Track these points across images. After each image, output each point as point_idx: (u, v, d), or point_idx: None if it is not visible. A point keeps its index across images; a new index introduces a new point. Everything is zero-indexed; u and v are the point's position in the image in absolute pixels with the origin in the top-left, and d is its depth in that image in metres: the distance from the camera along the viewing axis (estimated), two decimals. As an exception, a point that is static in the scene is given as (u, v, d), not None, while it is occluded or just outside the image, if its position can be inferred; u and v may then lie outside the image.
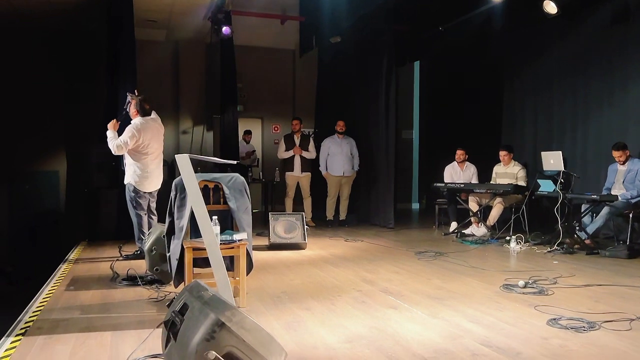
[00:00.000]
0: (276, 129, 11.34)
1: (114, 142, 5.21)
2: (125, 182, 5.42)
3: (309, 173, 8.43)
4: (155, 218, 5.59)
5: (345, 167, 8.36)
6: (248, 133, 10.33)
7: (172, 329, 2.24)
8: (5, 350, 2.81)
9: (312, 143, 8.50)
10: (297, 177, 8.35)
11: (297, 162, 8.33)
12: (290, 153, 8.34)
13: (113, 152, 5.27)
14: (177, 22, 9.45)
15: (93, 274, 4.87)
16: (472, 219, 7.34)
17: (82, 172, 9.00)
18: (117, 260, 5.38)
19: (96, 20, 8.41)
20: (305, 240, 6.30)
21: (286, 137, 8.52)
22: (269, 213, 6.61)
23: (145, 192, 5.41)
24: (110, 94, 7.62)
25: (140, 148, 5.29)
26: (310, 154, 8.39)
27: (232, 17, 8.86)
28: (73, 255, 5.93)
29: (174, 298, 3.57)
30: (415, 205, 12.07)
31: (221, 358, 2.03)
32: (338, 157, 8.35)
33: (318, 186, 8.67)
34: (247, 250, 3.74)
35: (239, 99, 10.06)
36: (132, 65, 7.42)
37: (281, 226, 6.39)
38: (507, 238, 6.43)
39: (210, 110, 10.52)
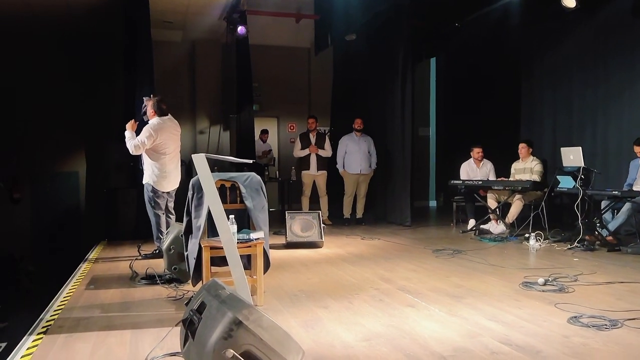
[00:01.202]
0: (292, 127, 11.36)
1: (132, 142, 5.26)
2: (144, 182, 5.47)
3: (325, 171, 8.42)
4: (173, 217, 5.63)
5: (362, 165, 8.34)
6: (265, 132, 10.36)
7: (190, 327, 2.25)
8: (28, 349, 2.86)
9: (327, 141, 8.49)
10: (314, 175, 8.35)
11: (313, 160, 8.33)
12: (306, 152, 8.34)
13: (131, 152, 5.33)
14: (193, 22, 9.52)
15: (112, 273, 4.93)
16: (491, 216, 7.27)
17: (101, 172, 9.11)
18: (136, 259, 5.43)
19: (113, 21, 8.51)
20: (322, 238, 6.30)
21: (302, 136, 8.52)
22: (286, 212, 6.62)
23: (163, 192, 5.46)
24: (127, 94, 7.71)
25: (158, 148, 5.33)
26: (326, 152, 8.38)
27: (247, 16, 8.90)
28: (93, 254, 6.01)
29: (192, 297, 3.62)
30: (433, 203, 11.99)
31: (239, 356, 2.03)
32: (356, 155, 8.32)
33: (334, 184, 8.66)
34: (264, 248, 3.75)
35: (255, 98, 10.10)
36: (150, 65, 7.49)
37: (298, 225, 6.39)
38: (527, 235, 6.35)
39: (226, 110, 10.57)
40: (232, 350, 2.03)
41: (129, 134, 5.33)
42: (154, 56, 7.68)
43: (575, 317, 3.30)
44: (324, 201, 8.46)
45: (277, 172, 10.15)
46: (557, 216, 7.39)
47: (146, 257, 5.52)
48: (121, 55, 8.09)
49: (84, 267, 5.24)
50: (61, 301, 3.90)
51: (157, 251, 5.46)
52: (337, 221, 8.51)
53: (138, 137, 5.28)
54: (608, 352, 2.73)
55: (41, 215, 9.80)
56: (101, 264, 5.38)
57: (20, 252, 9.18)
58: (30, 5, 8.23)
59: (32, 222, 9.88)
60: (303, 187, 8.41)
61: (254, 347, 2.06)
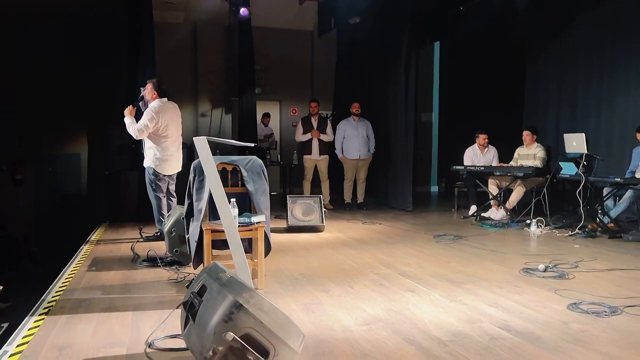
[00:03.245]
0: (294, 111, 11.32)
1: (134, 126, 5.24)
2: (145, 165, 5.45)
3: (327, 156, 8.39)
4: (174, 200, 5.63)
5: (361, 150, 8.30)
6: (267, 116, 10.32)
7: (190, 310, 2.26)
8: (29, 329, 2.88)
9: (329, 126, 8.45)
10: (315, 160, 8.33)
11: (315, 145, 8.29)
12: (308, 136, 8.30)
13: (134, 137, 5.31)
14: (195, 3, 9.45)
15: (114, 255, 4.94)
16: (492, 202, 7.26)
17: (102, 154, 9.11)
18: (138, 241, 5.44)
19: (115, 2, 8.43)
20: (323, 223, 6.31)
21: (304, 120, 8.48)
22: (288, 196, 6.62)
23: (164, 175, 5.45)
24: (130, 76, 7.67)
25: (159, 131, 5.31)
26: (328, 137, 8.35)
27: (249, -2, 8.82)
28: (94, 236, 6.03)
29: (193, 279, 3.63)
30: (434, 189, 11.98)
31: (239, 339, 2.04)
32: (354, 140, 8.28)
33: (336, 169, 8.65)
34: (265, 232, 3.76)
35: (257, 81, 10.05)
36: (152, 47, 7.46)
37: (299, 209, 6.40)
38: (528, 221, 6.35)
39: (228, 93, 10.53)
40: (232, 333, 2.04)
41: (128, 119, 5.31)
42: (156, 37, 7.62)
43: (575, 303, 3.31)
44: (325, 185, 8.45)
45: (279, 155, 10.13)
46: (559, 203, 7.39)
47: (147, 239, 5.53)
48: (123, 37, 8.02)
49: (85, 249, 5.26)
50: (63, 282, 3.92)
51: (159, 233, 5.47)
52: (339, 206, 8.51)
53: (140, 120, 5.26)
54: (607, 338, 2.74)
55: (43, 197, 9.82)
56: (103, 246, 5.40)
57: (23, 234, 9.22)
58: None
59: (34, 204, 9.90)
60: (305, 171, 8.39)
61: (254, 330, 2.07)
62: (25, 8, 9.03)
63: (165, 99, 5.43)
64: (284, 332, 2.12)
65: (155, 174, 5.39)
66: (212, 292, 2.19)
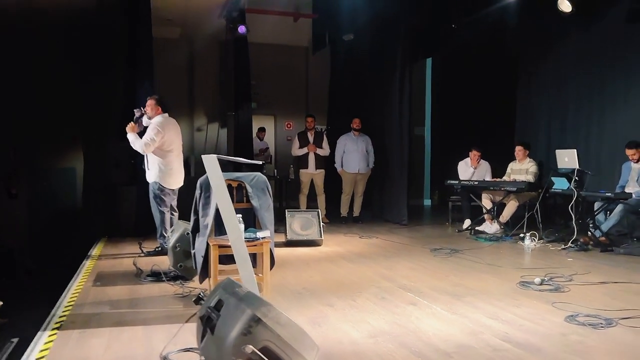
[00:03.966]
0: (289, 126, 11.43)
1: (139, 142, 5.33)
2: (150, 180, 5.52)
3: (323, 170, 8.51)
4: (176, 215, 5.70)
5: (360, 165, 8.44)
6: (262, 130, 10.42)
7: (208, 323, 2.34)
8: (45, 344, 2.93)
9: (325, 140, 8.58)
10: (312, 174, 8.43)
11: (312, 159, 8.41)
12: (305, 150, 8.42)
13: (142, 152, 5.38)
14: (192, 20, 9.57)
15: (117, 269, 4.99)
16: (486, 216, 7.40)
17: (99, 169, 9.14)
18: (139, 256, 5.50)
19: (113, 16, 8.52)
20: (321, 237, 6.40)
21: (300, 135, 8.60)
22: (286, 210, 6.70)
23: (169, 189, 5.53)
24: (127, 91, 7.75)
25: (164, 146, 5.42)
26: (324, 151, 8.47)
27: (246, 14, 8.95)
28: (95, 251, 6.06)
29: (200, 294, 3.69)
30: (427, 202, 12.12)
31: (257, 352, 2.12)
32: (354, 155, 8.42)
33: (331, 183, 8.75)
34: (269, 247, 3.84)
35: (253, 96, 10.16)
36: (150, 62, 7.56)
37: (297, 223, 6.49)
38: (521, 235, 6.48)
39: (224, 108, 10.62)
40: (251, 346, 2.12)
41: (132, 136, 5.39)
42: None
43: (572, 316, 3.43)
44: (321, 199, 8.54)
45: (275, 170, 10.21)
46: (551, 217, 7.54)
47: (149, 254, 5.58)
48: (121, 51, 8.11)
49: (88, 264, 5.29)
50: (70, 297, 3.97)
51: (160, 248, 5.53)
52: (334, 219, 8.60)
53: (145, 135, 5.35)
54: (605, 349, 2.86)
55: (38, 211, 9.79)
56: (105, 261, 5.44)
57: (18, 248, 9.19)
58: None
59: (30, 219, 9.88)
60: (301, 185, 8.49)
61: (272, 343, 2.15)
62: (22, 19, 9.08)
63: (167, 114, 5.54)
64: (300, 344, 2.21)
65: (161, 188, 5.47)
66: (230, 306, 2.28)
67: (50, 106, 9.52)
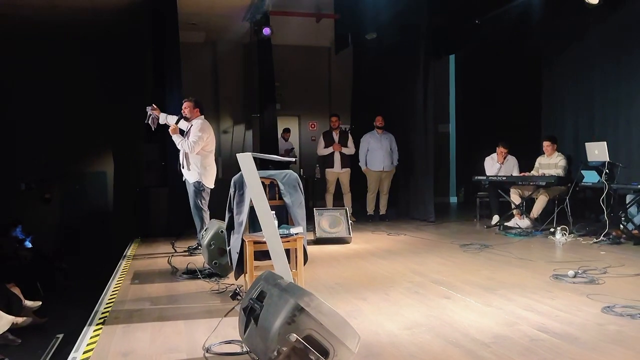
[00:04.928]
0: (313, 126, 11.50)
1: (187, 142, 5.51)
2: (191, 180, 5.65)
3: (349, 169, 8.55)
4: (208, 213, 5.82)
5: (385, 163, 8.46)
6: (287, 131, 10.52)
7: (251, 314, 2.42)
8: (91, 337, 3.05)
9: (350, 139, 8.62)
10: (337, 173, 8.49)
11: (337, 158, 8.46)
12: (330, 150, 8.47)
13: (192, 151, 5.52)
14: (216, 24, 9.71)
15: (153, 268, 5.12)
16: (515, 211, 7.35)
17: (129, 172, 9.36)
18: (173, 255, 5.64)
19: (140, 23, 8.72)
20: (350, 234, 6.45)
21: (325, 134, 8.66)
22: (314, 208, 6.77)
23: (209, 188, 5.70)
24: (156, 96, 7.90)
25: (207, 147, 5.63)
26: (349, 150, 8.52)
27: (269, 17, 9.05)
28: (130, 252, 6.21)
29: (236, 289, 3.78)
30: (453, 199, 12.07)
31: (302, 340, 2.19)
32: (378, 153, 8.45)
33: (357, 181, 8.79)
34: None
35: (276, 98, 10.26)
36: (178, 66, 7.70)
37: (326, 221, 6.55)
38: (552, 229, 6.44)
39: (249, 110, 10.75)
40: (295, 335, 2.19)
41: (177, 138, 5.56)
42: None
43: (609, 306, 3.41)
44: (347, 198, 8.59)
45: (301, 170, 10.29)
46: (581, 211, 7.45)
47: (190, 250, 5.72)
48: (148, 54, 8.29)
49: (124, 264, 5.43)
50: (110, 295, 4.09)
51: (199, 245, 5.67)
52: (361, 218, 8.64)
53: (190, 137, 5.52)
54: (644, 338, 2.85)
55: (71, 214, 10.07)
56: (140, 261, 5.58)
57: (53, 250, 9.45)
58: (56, 7, 8.45)
59: (62, 221, 10.16)
60: (327, 184, 8.55)
61: (315, 332, 2.21)
62: (52, 28, 9.35)
63: (203, 116, 5.70)
64: (342, 333, 2.26)
65: (203, 187, 5.63)
66: (273, 297, 2.35)
67: (81, 112, 9.80)
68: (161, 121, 5.88)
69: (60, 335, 4.38)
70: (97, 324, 3.31)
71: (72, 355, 2.79)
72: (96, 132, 9.96)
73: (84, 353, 2.81)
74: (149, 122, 5.82)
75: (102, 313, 3.58)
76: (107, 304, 3.83)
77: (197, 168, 5.60)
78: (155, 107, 5.87)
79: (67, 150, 9.87)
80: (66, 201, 10.19)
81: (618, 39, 7.28)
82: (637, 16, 7.00)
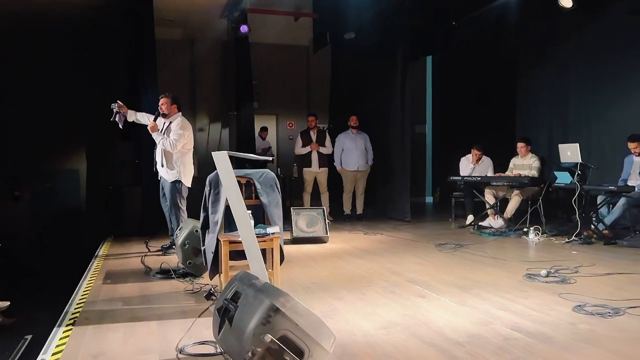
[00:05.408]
0: (291, 125, 11.48)
1: (168, 140, 5.43)
2: (171, 179, 5.57)
3: (326, 168, 8.55)
4: (186, 213, 5.75)
5: (359, 162, 8.48)
6: (264, 130, 10.47)
7: (225, 314, 2.38)
8: (60, 339, 2.97)
9: (328, 138, 8.61)
10: (315, 172, 8.47)
11: (315, 157, 8.45)
12: (307, 149, 8.45)
13: (173, 149, 5.44)
14: (194, 20, 9.60)
15: (126, 268, 5.03)
16: (489, 211, 7.44)
17: (102, 169, 9.17)
18: (147, 254, 5.55)
19: (115, 18, 8.56)
20: (327, 234, 6.44)
21: (302, 133, 8.64)
22: (291, 208, 6.74)
23: (187, 187, 5.66)
24: (131, 92, 7.78)
25: (187, 145, 5.58)
26: (327, 150, 8.51)
27: (247, 15, 8.99)
28: (102, 251, 6.10)
29: (211, 290, 3.73)
30: (429, 199, 12.17)
31: (276, 340, 2.16)
32: (352, 152, 8.47)
33: (334, 181, 8.79)
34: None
35: (254, 96, 10.19)
36: (153, 63, 7.58)
37: (303, 220, 6.52)
38: (525, 229, 6.53)
39: (226, 108, 10.66)
40: (270, 335, 2.16)
41: (157, 135, 5.49)
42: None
43: (580, 305, 3.47)
44: (325, 198, 8.58)
45: (278, 169, 10.25)
46: (553, 211, 7.58)
47: (166, 250, 5.64)
48: (123, 51, 8.15)
49: (96, 264, 5.33)
50: (81, 295, 4.01)
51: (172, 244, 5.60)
52: (338, 217, 8.65)
53: (172, 135, 5.44)
54: (614, 337, 2.90)
55: (42, 213, 9.83)
56: (113, 260, 5.48)
57: (22, 250, 9.22)
58: (30, 2, 8.25)
59: (33, 220, 9.91)
60: (304, 183, 8.53)
61: (290, 332, 2.19)
62: (23, 22, 9.11)
63: (181, 114, 5.63)
64: (317, 333, 2.24)
65: (182, 186, 5.58)
66: (248, 297, 2.32)
67: (53, 108, 9.56)
68: (129, 119, 5.72)
69: (29, 337, 4.25)
70: (67, 325, 3.23)
71: (40, 356, 2.72)
72: (69, 129, 9.73)
73: (52, 355, 2.73)
74: (116, 119, 5.64)
75: (73, 314, 3.49)
76: (77, 304, 3.75)
77: (177, 166, 5.53)
78: (121, 104, 5.66)
79: (38, 146, 9.63)
80: (37, 199, 9.93)
81: (592, 45, 7.44)
82: (611, 24, 7.15)
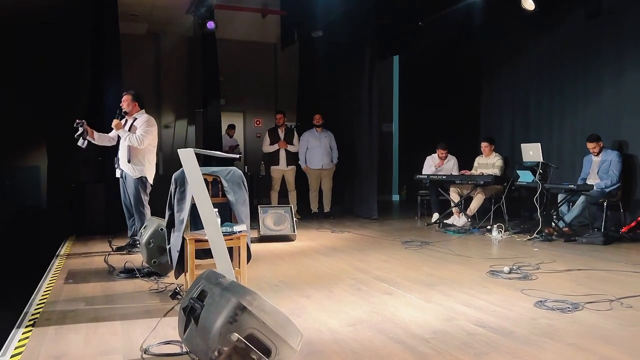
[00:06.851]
0: (258, 122, 11.41)
1: (134, 136, 5.37)
2: (135, 176, 5.50)
3: (294, 166, 8.55)
4: (149, 210, 5.66)
5: (324, 161, 8.50)
6: (232, 127, 10.38)
7: (191, 314, 2.35)
8: (20, 340, 2.88)
9: (296, 136, 8.61)
10: (283, 170, 8.46)
11: (282, 155, 8.43)
12: (275, 147, 8.43)
13: (140, 146, 5.40)
14: (159, 15, 9.44)
15: (88, 267, 4.92)
16: (454, 209, 7.57)
17: (64, 166, 8.92)
18: (110, 253, 5.44)
19: (78, 13, 8.34)
20: (294, 232, 6.44)
21: (270, 131, 8.61)
22: (258, 206, 6.71)
23: (150, 184, 5.60)
24: (94, 87, 7.60)
25: (152, 142, 5.53)
26: (295, 148, 8.51)
27: (214, 11, 8.88)
28: (64, 250, 5.95)
29: (176, 289, 3.69)
30: (395, 197, 12.30)
31: (243, 339, 2.15)
32: (317, 151, 8.48)
33: (302, 179, 8.80)
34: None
35: (221, 93, 10.09)
36: (117, 58, 7.43)
37: (270, 219, 6.51)
38: (488, 227, 6.67)
39: (192, 104, 10.53)
40: (236, 334, 2.15)
41: (122, 132, 5.41)
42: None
43: (541, 301, 3.56)
44: (292, 196, 8.58)
45: (245, 167, 10.19)
46: (516, 209, 7.77)
47: (130, 249, 5.54)
48: (86, 46, 7.94)
49: (57, 263, 5.19)
50: (42, 295, 3.90)
51: (136, 242, 5.50)
52: (306, 215, 8.66)
53: (139, 131, 5.38)
54: (572, 331, 2.99)
55: (1, 211, 9.51)
56: (75, 259, 5.35)
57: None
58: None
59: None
60: (272, 181, 8.51)
61: (257, 331, 2.18)
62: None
63: (144, 111, 5.55)
64: (284, 331, 2.24)
65: (146, 182, 5.52)
66: (214, 296, 2.30)
67: (12, 103, 9.26)
68: (94, 141, 5.52)
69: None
70: (27, 326, 3.14)
71: (-2, 359, 2.64)
72: (29, 125, 9.44)
73: (12, 357, 2.65)
74: (80, 140, 5.37)
75: (32, 314, 3.39)
76: (38, 304, 3.64)
77: (141, 163, 5.46)
78: (86, 126, 5.38)
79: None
80: (-5, 197, 9.62)
81: (553, 47, 7.65)
82: (571, 27, 7.36)
